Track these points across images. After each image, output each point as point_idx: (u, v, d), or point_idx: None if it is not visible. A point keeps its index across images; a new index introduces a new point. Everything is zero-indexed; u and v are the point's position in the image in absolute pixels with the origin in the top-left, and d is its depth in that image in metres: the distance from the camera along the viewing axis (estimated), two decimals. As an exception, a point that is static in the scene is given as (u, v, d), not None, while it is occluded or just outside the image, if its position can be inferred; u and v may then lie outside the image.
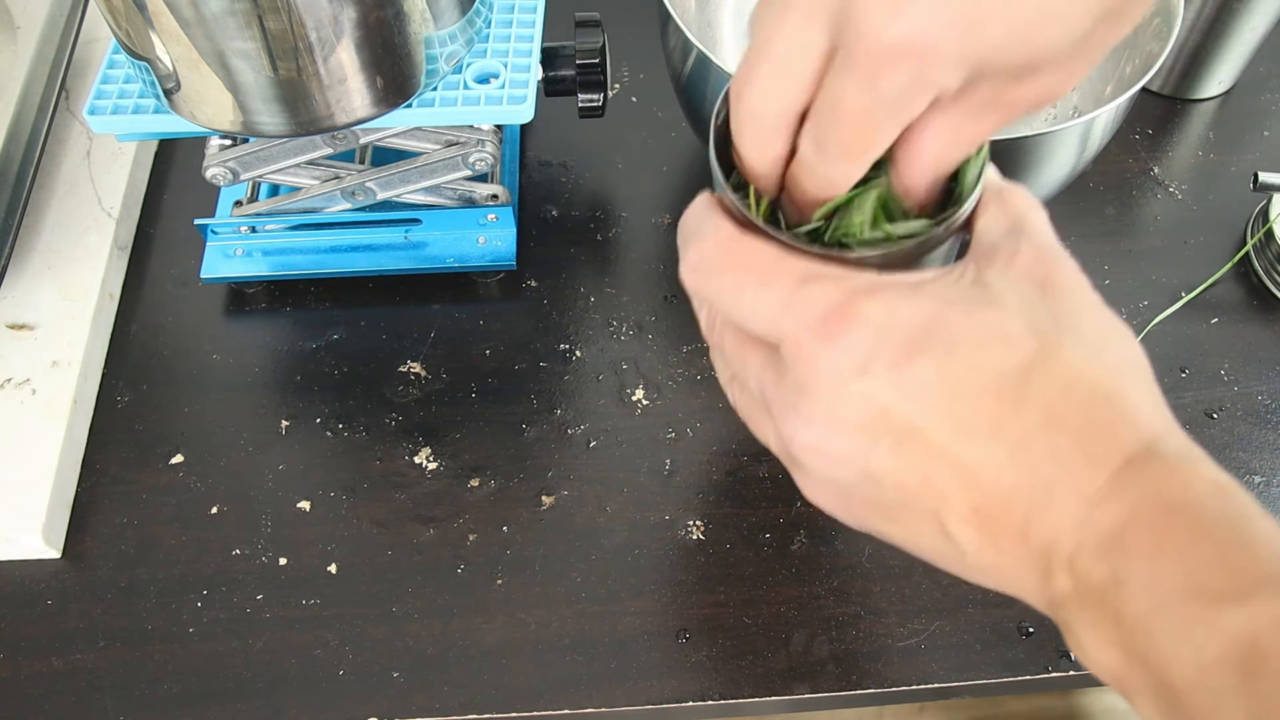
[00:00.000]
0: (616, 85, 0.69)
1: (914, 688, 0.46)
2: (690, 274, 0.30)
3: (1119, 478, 0.26)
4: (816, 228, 0.33)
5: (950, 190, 0.32)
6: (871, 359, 0.27)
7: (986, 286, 0.28)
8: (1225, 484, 0.26)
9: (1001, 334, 0.27)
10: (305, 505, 0.51)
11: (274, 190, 0.59)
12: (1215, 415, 0.54)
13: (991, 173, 0.32)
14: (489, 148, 0.53)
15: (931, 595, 0.48)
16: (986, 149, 0.32)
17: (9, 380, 0.53)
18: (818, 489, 0.31)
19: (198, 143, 0.56)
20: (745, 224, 0.31)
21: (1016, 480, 0.26)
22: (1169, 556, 0.25)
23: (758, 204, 0.33)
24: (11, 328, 0.55)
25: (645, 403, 0.55)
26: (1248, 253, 0.60)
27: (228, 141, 0.53)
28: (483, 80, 0.49)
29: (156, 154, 0.65)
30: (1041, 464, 0.26)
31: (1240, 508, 0.25)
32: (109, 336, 0.57)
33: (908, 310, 0.27)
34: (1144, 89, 0.58)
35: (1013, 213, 0.30)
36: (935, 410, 0.27)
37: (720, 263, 0.29)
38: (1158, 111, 0.69)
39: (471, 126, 0.53)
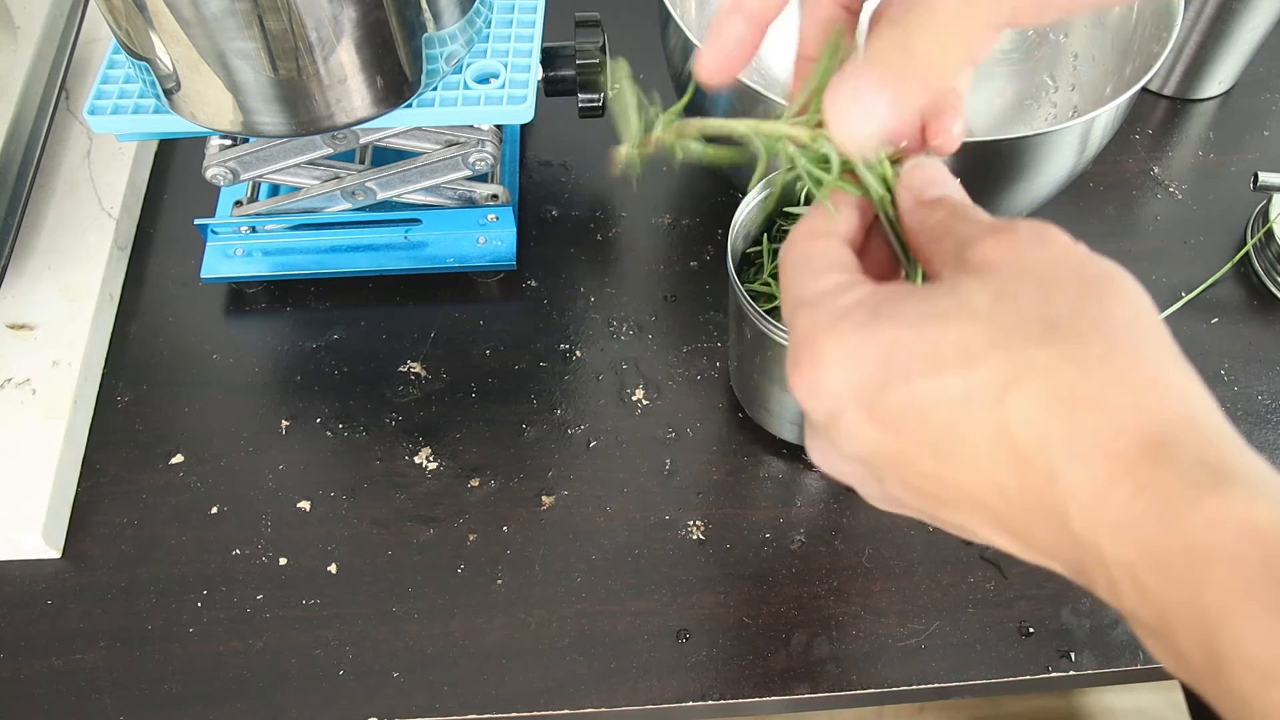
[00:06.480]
0: (617, 85, 0.69)
1: (914, 688, 0.46)
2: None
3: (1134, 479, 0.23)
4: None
5: None
6: (840, 401, 0.26)
7: (955, 293, 0.26)
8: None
9: (959, 352, 0.25)
10: (305, 505, 0.51)
11: (274, 190, 0.59)
12: (1215, 415, 0.54)
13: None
14: (489, 148, 0.53)
15: (931, 595, 0.48)
16: None
17: (9, 380, 0.53)
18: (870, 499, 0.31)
19: (198, 143, 0.56)
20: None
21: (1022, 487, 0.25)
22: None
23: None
24: (11, 328, 0.55)
25: (645, 403, 0.55)
26: (1248, 253, 0.60)
27: (228, 141, 0.53)
28: (483, 80, 0.49)
29: (156, 154, 0.65)
30: (1045, 469, 0.24)
31: None
32: (109, 336, 0.57)
33: (866, 344, 0.26)
34: (1144, 89, 0.58)
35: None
36: (913, 442, 0.26)
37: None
38: (1158, 111, 0.69)
39: (471, 126, 0.53)
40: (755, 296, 0.45)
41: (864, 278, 0.29)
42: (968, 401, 0.25)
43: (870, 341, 0.26)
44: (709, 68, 0.33)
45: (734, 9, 0.32)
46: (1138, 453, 0.23)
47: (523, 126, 0.65)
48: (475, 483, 0.52)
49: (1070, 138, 0.48)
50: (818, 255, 0.30)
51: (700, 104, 0.53)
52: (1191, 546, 0.22)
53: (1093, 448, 0.24)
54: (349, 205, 0.56)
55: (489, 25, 0.51)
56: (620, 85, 0.36)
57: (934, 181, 0.30)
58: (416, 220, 0.57)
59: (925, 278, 0.29)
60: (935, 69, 0.28)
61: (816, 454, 0.30)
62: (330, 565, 0.49)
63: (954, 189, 0.30)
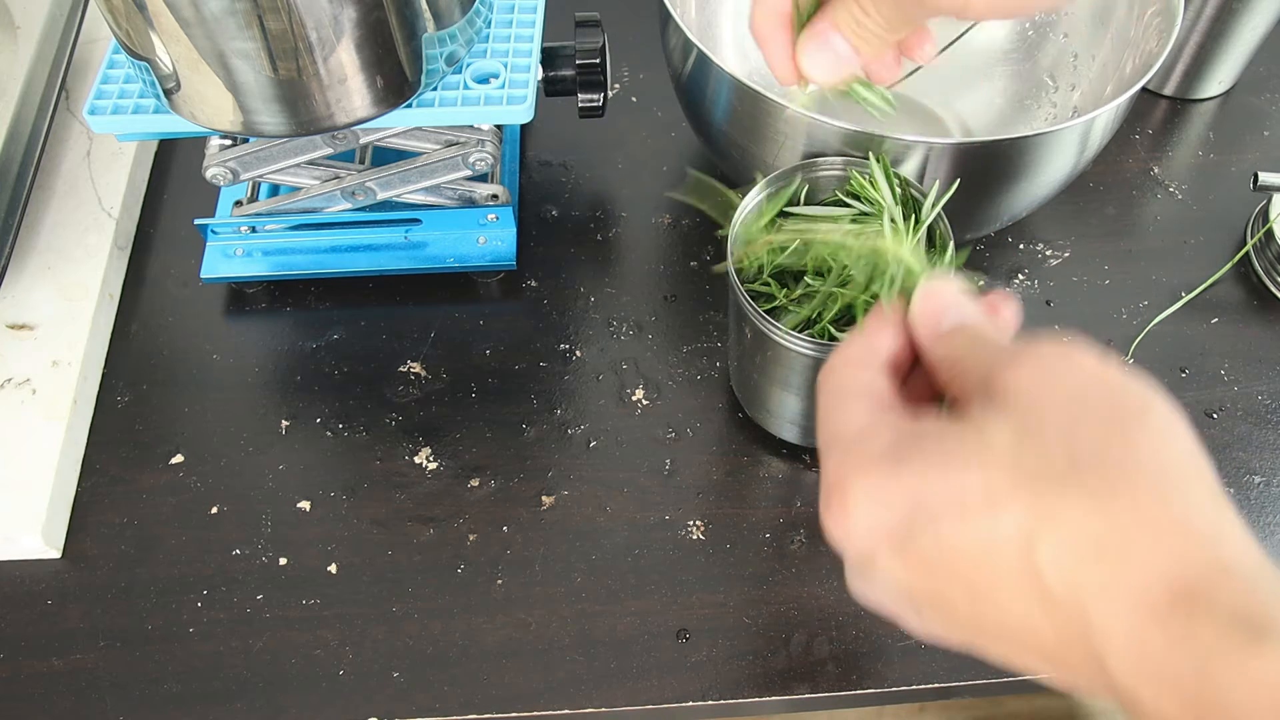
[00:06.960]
0: (616, 85, 0.69)
1: (914, 688, 0.46)
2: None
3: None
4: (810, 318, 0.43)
5: None
6: (872, 544, 0.27)
7: (979, 432, 0.26)
8: None
9: (983, 495, 0.25)
10: (305, 505, 0.51)
11: (274, 190, 0.59)
12: (1215, 415, 0.54)
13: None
14: (489, 148, 0.53)
15: (931, 595, 0.48)
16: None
17: (9, 380, 0.53)
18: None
19: (198, 143, 0.56)
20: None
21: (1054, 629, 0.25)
22: None
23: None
24: (11, 328, 0.55)
25: (645, 403, 0.55)
26: (1248, 253, 0.60)
27: (228, 141, 0.53)
28: (483, 80, 0.49)
29: (156, 154, 0.65)
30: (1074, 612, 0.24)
31: None
32: (109, 336, 0.57)
33: (892, 489, 0.26)
34: (1144, 89, 0.58)
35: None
36: (946, 583, 0.26)
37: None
38: (1158, 111, 0.69)
39: (471, 126, 0.53)
40: (755, 296, 0.45)
41: (897, 413, 0.29)
42: (995, 546, 0.25)
43: (897, 485, 0.26)
44: (787, 75, 0.38)
45: (766, 17, 0.37)
46: (1168, 603, 0.23)
47: (523, 126, 0.65)
48: (475, 483, 0.52)
49: (1070, 138, 0.48)
50: (854, 389, 0.30)
51: (700, 106, 0.53)
52: (1231, 710, 0.22)
53: (1123, 598, 0.23)
54: (349, 205, 0.56)
55: (489, 25, 0.51)
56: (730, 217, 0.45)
57: (947, 310, 0.30)
58: (416, 220, 0.57)
59: (952, 407, 0.29)
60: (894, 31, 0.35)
61: (857, 589, 0.30)
62: (330, 565, 0.49)
63: (969, 311, 0.30)
